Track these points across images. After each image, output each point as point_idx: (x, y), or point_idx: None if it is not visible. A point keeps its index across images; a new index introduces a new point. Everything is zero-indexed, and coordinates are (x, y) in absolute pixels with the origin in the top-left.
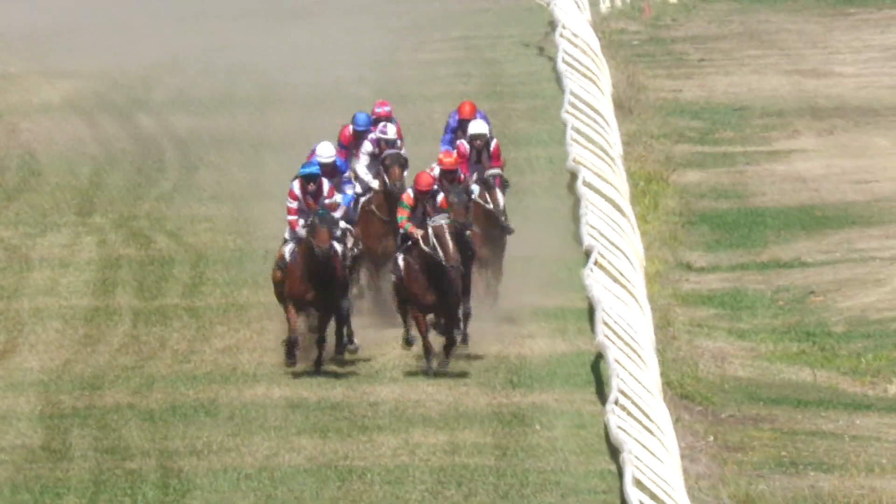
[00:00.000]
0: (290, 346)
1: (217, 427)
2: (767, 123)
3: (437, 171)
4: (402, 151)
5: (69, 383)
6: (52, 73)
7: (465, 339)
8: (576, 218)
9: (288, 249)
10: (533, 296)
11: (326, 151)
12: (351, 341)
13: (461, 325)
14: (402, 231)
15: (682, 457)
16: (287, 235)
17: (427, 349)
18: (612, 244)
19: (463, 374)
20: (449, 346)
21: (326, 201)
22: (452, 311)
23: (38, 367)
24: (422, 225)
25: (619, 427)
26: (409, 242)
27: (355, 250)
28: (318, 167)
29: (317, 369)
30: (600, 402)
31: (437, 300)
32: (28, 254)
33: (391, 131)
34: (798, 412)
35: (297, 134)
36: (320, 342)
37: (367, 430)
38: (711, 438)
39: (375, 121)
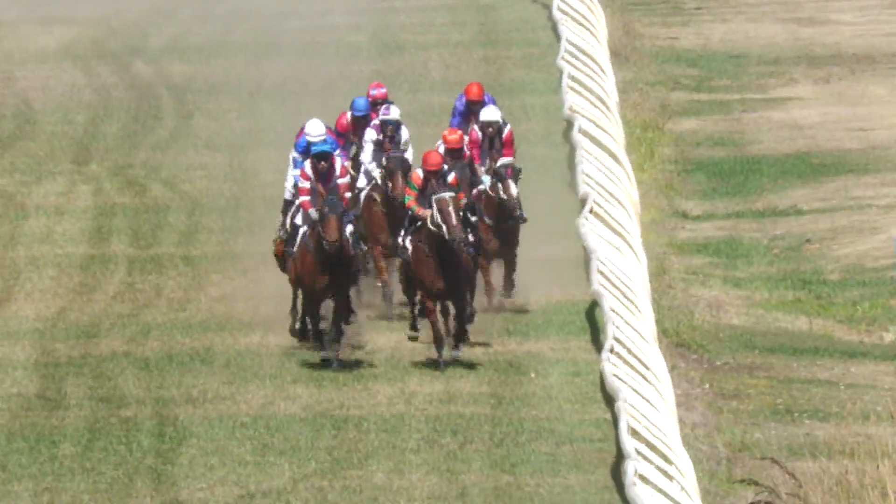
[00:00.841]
0: (311, 329)
1: (213, 375)
2: (764, 71)
3: (441, 148)
4: (406, 148)
5: (65, 331)
6: (47, 20)
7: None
8: (571, 166)
9: (298, 237)
10: (528, 245)
11: (316, 129)
12: (349, 316)
13: (470, 314)
14: (409, 212)
15: (678, 405)
16: (299, 219)
17: (437, 338)
18: (608, 192)
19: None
20: (459, 335)
21: (339, 181)
22: (462, 295)
23: (33, 316)
24: (429, 204)
25: (615, 375)
26: (418, 224)
27: (361, 245)
28: (330, 144)
29: (339, 361)
30: (596, 350)
31: (447, 284)
32: (24, 202)
33: (395, 112)
34: (793, 360)
35: (293, 81)
36: (339, 333)
37: (363, 379)
38: (707, 386)
39: (372, 103)
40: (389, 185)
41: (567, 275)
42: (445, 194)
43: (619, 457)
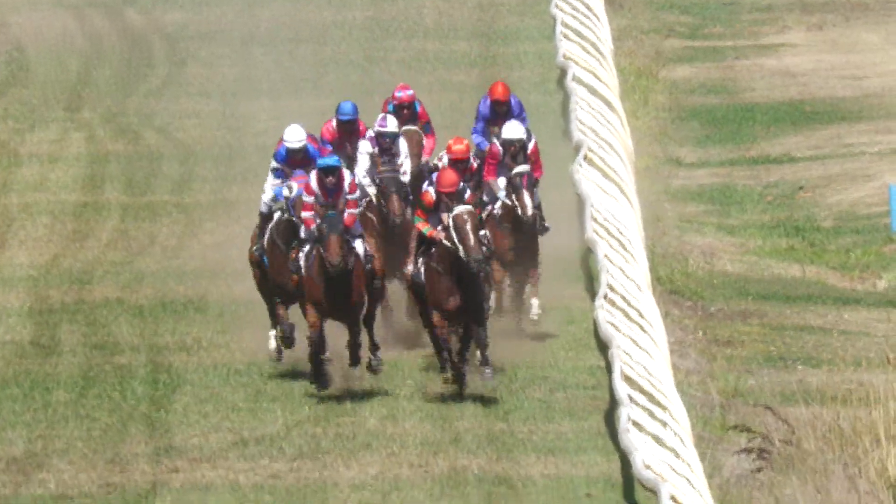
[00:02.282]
0: (318, 366)
1: (207, 323)
2: (757, 18)
3: (445, 159)
4: (403, 163)
5: (58, 278)
6: None
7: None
8: (565, 114)
9: (303, 255)
10: None
11: (296, 135)
12: (373, 346)
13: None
14: (422, 233)
15: (671, 352)
16: (303, 233)
17: (456, 369)
18: (602, 140)
19: None
20: (482, 351)
21: (349, 197)
22: (480, 315)
23: (27, 263)
24: (439, 221)
25: (609, 322)
26: (432, 248)
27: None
28: (337, 158)
29: (353, 366)
30: (590, 297)
31: (464, 304)
32: (17, 149)
33: (391, 124)
34: (787, 307)
35: (286, 28)
36: (354, 347)
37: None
38: (700, 333)
39: (398, 107)
40: (385, 207)
41: (561, 222)
42: (463, 209)
43: (613, 403)
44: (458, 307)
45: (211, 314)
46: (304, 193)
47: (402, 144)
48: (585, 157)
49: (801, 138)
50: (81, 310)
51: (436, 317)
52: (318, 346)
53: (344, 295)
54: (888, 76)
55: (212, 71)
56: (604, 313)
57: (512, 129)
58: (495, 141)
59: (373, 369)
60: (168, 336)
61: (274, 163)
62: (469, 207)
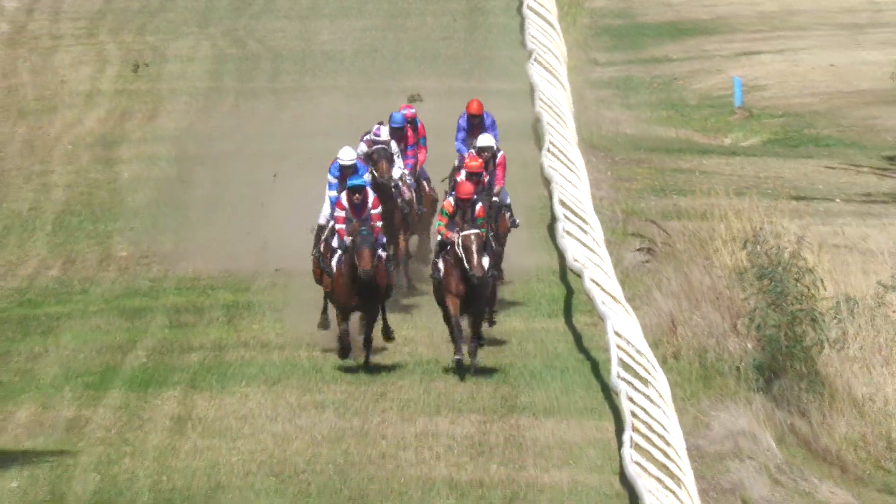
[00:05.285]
0: (343, 346)
1: None
2: None
3: (463, 174)
4: (394, 148)
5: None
6: None
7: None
8: (522, 31)
9: (335, 259)
10: (492, 81)
11: (347, 155)
12: (388, 334)
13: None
14: (439, 237)
15: (592, 185)
16: (335, 243)
17: (456, 338)
18: (546, 48)
19: None
20: (477, 339)
21: (373, 212)
22: (480, 308)
23: (173, 127)
24: (457, 230)
25: (550, 167)
26: (448, 247)
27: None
28: (363, 180)
29: (367, 366)
30: (537, 149)
31: (467, 294)
32: (164, 52)
33: (384, 133)
34: (666, 156)
35: None
36: (367, 343)
37: None
38: (609, 173)
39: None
40: (375, 171)
41: (517, 103)
42: (472, 232)
43: (553, 219)
44: (464, 292)
45: None
46: (337, 208)
47: (394, 146)
48: (535, 59)
49: (676, 46)
50: None
51: (449, 299)
52: (345, 332)
53: (368, 293)
54: (734, 4)
55: (293, 2)
56: (547, 161)
57: (484, 139)
58: (472, 151)
59: (387, 334)
60: None
61: (329, 177)
62: (477, 231)
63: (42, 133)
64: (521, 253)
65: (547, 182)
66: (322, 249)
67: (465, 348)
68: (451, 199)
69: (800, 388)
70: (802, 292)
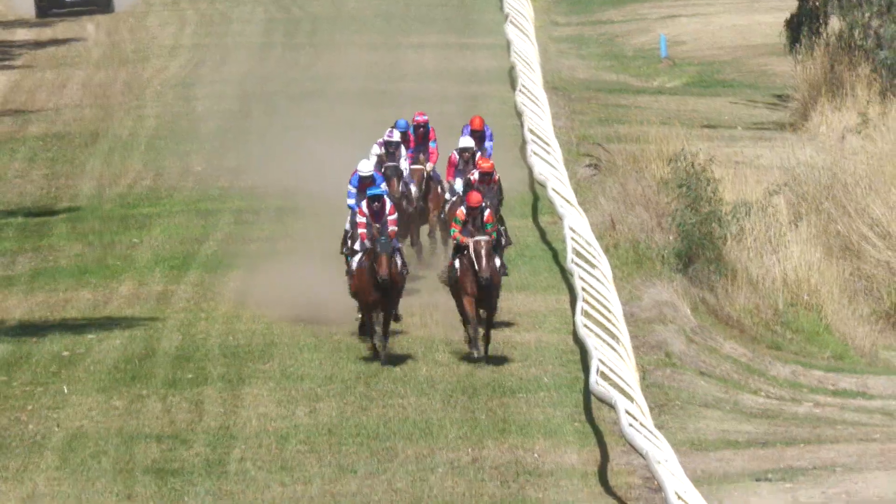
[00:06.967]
0: (367, 330)
1: None
2: None
3: (476, 174)
4: (405, 163)
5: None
6: None
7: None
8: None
9: (356, 259)
10: (477, 35)
11: (366, 167)
12: (397, 318)
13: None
14: (455, 241)
15: (553, 117)
16: (357, 246)
17: (472, 333)
18: (519, 11)
19: None
20: (487, 337)
21: (390, 217)
22: (492, 302)
23: (237, 71)
24: (469, 235)
25: (522, 104)
26: (464, 250)
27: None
28: (382, 190)
29: (383, 360)
30: (512, 90)
31: (479, 292)
32: (229, 14)
33: (396, 136)
34: (609, 96)
35: None
36: (384, 337)
37: None
38: (567, 108)
39: (415, 127)
40: (388, 188)
41: (497, 54)
42: (483, 238)
43: (523, 142)
44: (475, 291)
45: None
46: (358, 215)
47: (402, 150)
48: (511, 21)
49: (617, 12)
50: None
51: (466, 300)
52: (367, 324)
53: (385, 294)
54: None
55: None
56: (519, 98)
57: (464, 141)
58: (454, 152)
59: (396, 318)
60: None
61: (350, 186)
62: (487, 237)
63: (137, 77)
64: (501, 171)
65: (519, 114)
66: (348, 251)
67: (480, 345)
68: (462, 209)
69: (709, 270)
70: (711, 198)
